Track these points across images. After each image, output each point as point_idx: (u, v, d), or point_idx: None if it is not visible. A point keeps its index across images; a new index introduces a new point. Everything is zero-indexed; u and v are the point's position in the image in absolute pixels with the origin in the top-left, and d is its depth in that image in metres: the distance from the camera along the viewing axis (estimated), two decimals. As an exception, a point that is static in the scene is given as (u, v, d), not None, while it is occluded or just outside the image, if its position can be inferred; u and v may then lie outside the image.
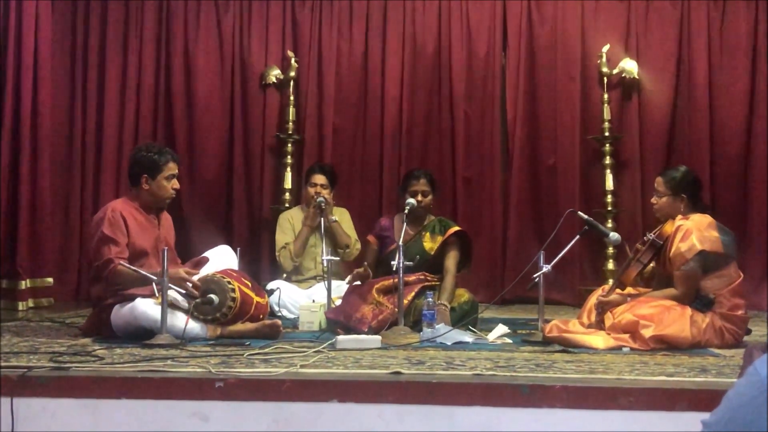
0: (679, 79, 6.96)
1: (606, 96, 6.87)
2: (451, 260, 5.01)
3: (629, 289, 4.42)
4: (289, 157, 6.99)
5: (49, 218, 6.31)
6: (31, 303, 6.06)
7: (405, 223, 4.89)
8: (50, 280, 6.31)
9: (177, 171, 4.51)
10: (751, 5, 6.87)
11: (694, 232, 4.16)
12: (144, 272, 4.06)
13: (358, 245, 5.78)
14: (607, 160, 6.81)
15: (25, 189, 6.09)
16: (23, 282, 6.01)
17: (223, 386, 3.01)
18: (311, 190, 5.76)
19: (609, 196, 6.77)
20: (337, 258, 5.41)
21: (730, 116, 6.86)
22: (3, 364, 3.27)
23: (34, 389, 3.02)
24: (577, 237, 4.46)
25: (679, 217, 4.31)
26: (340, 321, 4.53)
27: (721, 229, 4.25)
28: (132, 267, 4.11)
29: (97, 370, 3.21)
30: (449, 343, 4.04)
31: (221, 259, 4.67)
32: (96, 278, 4.35)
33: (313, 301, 5.07)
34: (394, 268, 4.39)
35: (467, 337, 4.17)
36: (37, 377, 3.06)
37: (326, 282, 4.96)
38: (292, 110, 7.06)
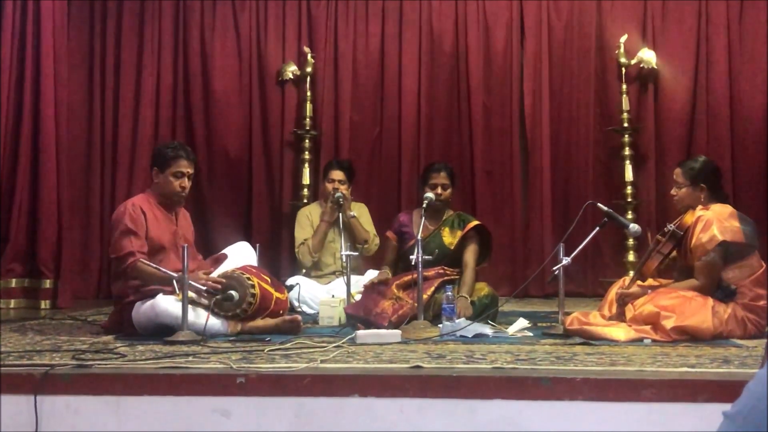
0: (698, 68, 6.91)
1: (624, 87, 6.84)
2: (470, 254, 5.00)
3: (650, 281, 4.40)
4: (306, 152, 7.01)
5: (70, 217, 6.34)
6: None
7: (423, 218, 4.89)
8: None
9: (189, 171, 4.48)
10: (770, -7, 6.82)
11: (714, 223, 4.13)
12: (163, 271, 4.08)
13: (377, 240, 5.79)
14: (627, 152, 6.78)
15: (46, 188, 6.12)
16: (47, 281, 6.05)
17: (244, 382, 3.02)
18: (329, 186, 5.76)
19: (629, 188, 6.74)
20: (356, 253, 5.41)
21: (750, 106, 6.81)
22: (26, 362, 3.30)
23: (57, 387, 3.04)
24: (597, 229, 4.43)
25: (700, 207, 4.28)
26: (359, 316, 4.53)
27: (742, 219, 4.22)
28: (152, 265, 4.13)
29: (119, 367, 3.23)
30: (470, 336, 4.04)
31: (240, 255, 4.69)
32: (117, 274, 4.38)
33: (333, 296, 5.09)
34: (413, 263, 4.39)
35: (487, 330, 4.16)
36: (60, 375, 3.08)
37: (345, 277, 4.97)
38: (309, 106, 7.08)
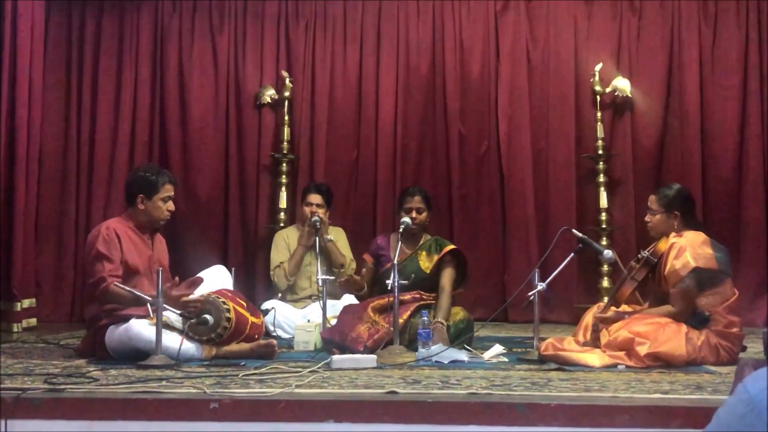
0: (670, 97, 6.99)
1: (599, 114, 6.89)
2: (446, 279, 5.01)
3: (624, 307, 4.43)
4: (283, 176, 7.00)
5: (44, 238, 6.29)
6: (33, 322, 6.00)
7: (400, 242, 4.90)
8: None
9: (173, 193, 4.54)
10: (741, 24, 6.92)
11: (688, 249, 4.17)
12: (137, 293, 4.06)
13: (353, 265, 5.78)
14: (601, 178, 6.82)
15: (20, 210, 6.05)
16: (18, 304, 5.98)
17: (218, 407, 3.00)
18: (307, 210, 5.75)
19: (603, 214, 6.78)
20: (332, 277, 5.40)
21: (721, 134, 6.88)
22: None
23: (28, 411, 3.01)
24: (572, 255, 4.46)
25: (673, 234, 4.32)
26: (335, 340, 4.53)
27: (715, 246, 4.26)
28: (126, 287, 4.11)
29: (91, 391, 3.20)
30: (446, 362, 4.04)
31: (216, 279, 4.66)
32: (90, 298, 4.35)
33: (308, 320, 5.07)
34: (389, 287, 4.39)
35: (463, 356, 4.17)
36: (32, 399, 3.05)
37: (321, 301, 4.96)
38: (286, 130, 7.07)
